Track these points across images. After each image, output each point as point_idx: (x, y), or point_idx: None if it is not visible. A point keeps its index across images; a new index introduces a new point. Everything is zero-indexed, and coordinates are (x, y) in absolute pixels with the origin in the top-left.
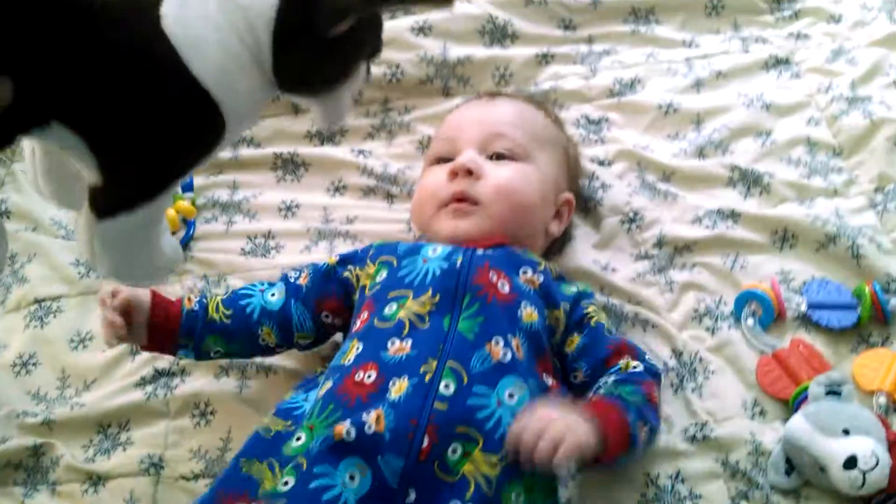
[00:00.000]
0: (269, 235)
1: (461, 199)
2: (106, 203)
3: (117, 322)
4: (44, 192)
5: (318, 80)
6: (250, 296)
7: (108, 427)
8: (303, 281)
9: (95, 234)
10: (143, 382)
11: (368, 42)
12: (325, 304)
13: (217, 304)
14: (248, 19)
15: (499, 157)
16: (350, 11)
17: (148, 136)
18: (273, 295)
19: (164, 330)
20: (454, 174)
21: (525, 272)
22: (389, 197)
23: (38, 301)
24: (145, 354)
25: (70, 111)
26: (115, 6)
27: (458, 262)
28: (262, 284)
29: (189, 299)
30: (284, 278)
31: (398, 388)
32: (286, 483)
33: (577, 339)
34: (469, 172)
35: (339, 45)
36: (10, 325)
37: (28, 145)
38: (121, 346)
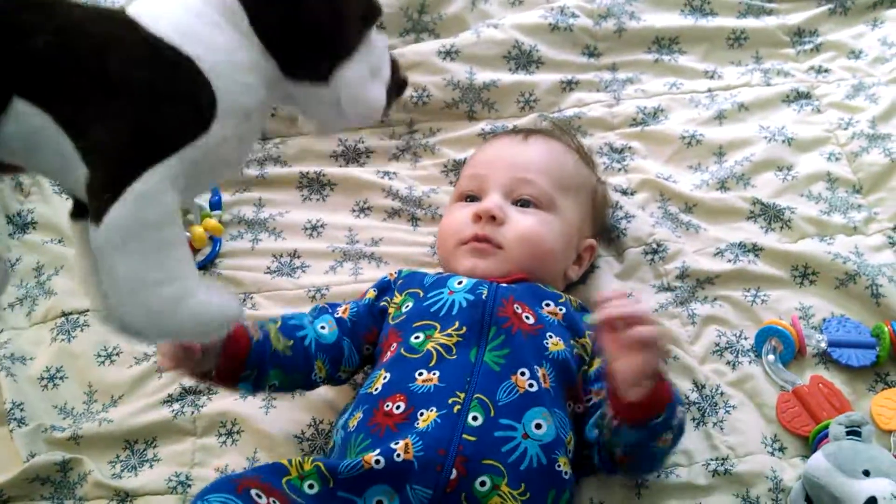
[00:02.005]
0: (294, 255)
1: (482, 239)
2: (98, 199)
3: (178, 355)
4: (97, 301)
5: (302, 26)
6: (303, 327)
7: (135, 443)
8: (344, 314)
9: (98, 250)
10: (170, 400)
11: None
12: (367, 337)
13: (277, 334)
14: None
15: (524, 203)
16: None
17: (113, 95)
18: (324, 328)
19: (234, 360)
20: (478, 217)
21: (548, 304)
22: (414, 220)
23: (65, 314)
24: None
25: (30, 84)
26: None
27: (484, 295)
28: (307, 316)
29: (253, 326)
30: (329, 311)
31: (426, 418)
32: (311, 486)
33: (597, 363)
34: (493, 218)
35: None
36: (37, 338)
37: (76, 256)
38: (147, 363)
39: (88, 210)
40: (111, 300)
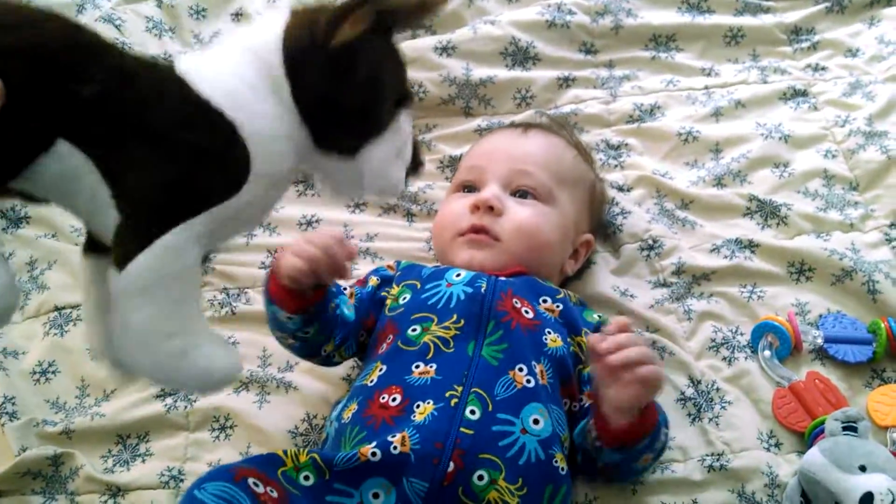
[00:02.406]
0: None
1: (480, 230)
2: (124, 245)
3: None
4: (98, 338)
5: (340, 107)
6: (338, 296)
7: (128, 438)
8: (352, 300)
9: (117, 295)
10: (163, 394)
11: (388, 73)
12: (366, 324)
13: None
14: (259, 52)
15: (522, 194)
16: (347, 11)
17: (155, 148)
18: (349, 308)
19: (321, 292)
20: (476, 208)
21: (545, 301)
22: (409, 215)
23: (57, 309)
24: None
25: (76, 127)
26: (122, 50)
27: (483, 288)
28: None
29: None
30: (341, 292)
31: (423, 410)
32: (307, 478)
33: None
34: (490, 209)
35: (351, 64)
36: (30, 332)
37: (83, 291)
38: None
39: (112, 252)
40: (119, 343)
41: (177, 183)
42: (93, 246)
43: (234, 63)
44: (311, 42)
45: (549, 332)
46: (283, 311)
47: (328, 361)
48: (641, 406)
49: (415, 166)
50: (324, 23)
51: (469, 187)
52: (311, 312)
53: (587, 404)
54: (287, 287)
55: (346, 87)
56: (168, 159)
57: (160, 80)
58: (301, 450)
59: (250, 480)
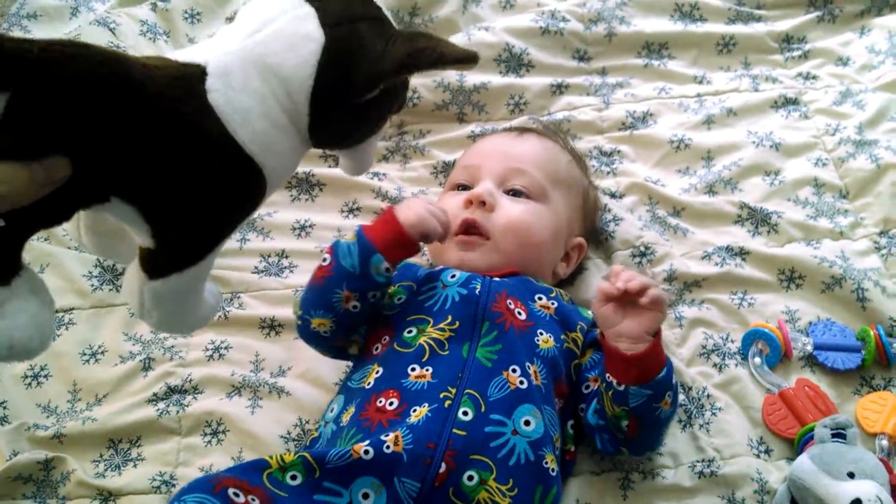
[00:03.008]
0: (282, 255)
1: (471, 229)
2: (157, 265)
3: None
4: (87, 246)
5: (350, 138)
6: None
7: (119, 442)
8: None
9: (146, 292)
10: (155, 399)
11: (398, 100)
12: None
13: None
14: (288, 89)
15: (515, 193)
16: (384, 78)
17: (199, 203)
18: None
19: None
20: (469, 203)
21: (540, 298)
22: None
23: None
24: (158, 370)
25: (128, 186)
26: (165, 83)
27: (477, 290)
28: None
29: None
30: None
31: (418, 413)
32: (294, 477)
33: (590, 353)
34: (483, 204)
35: (372, 106)
36: None
37: None
38: (132, 361)
39: (142, 257)
40: (143, 311)
41: (212, 229)
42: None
43: (263, 97)
44: (342, 94)
45: (542, 333)
46: (384, 263)
47: (343, 350)
48: (654, 330)
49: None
50: (360, 79)
51: (463, 186)
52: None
53: (592, 389)
54: (406, 236)
55: (358, 127)
56: (206, 213)
57: (203, 133)
58: (289, 451)
59: (230, 491)
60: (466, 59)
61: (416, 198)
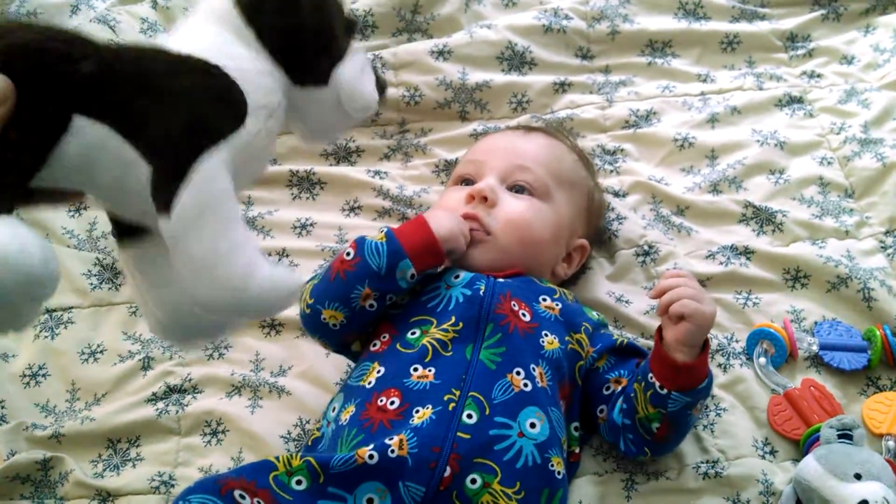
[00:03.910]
0: (283, 253)
1: (472, 219)
2: (164, 189)
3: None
4: (164, 321)
5: (301, 35)
6: None
7: (118, 442)
8: None
9: (173, 238)
10: (154, 398)
11: None
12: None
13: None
14: (217, 13)
15: (518, 189)
16: None
17: (162, 98)
18: None
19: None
20: (471, 198)
21: (544, 299)
22: (404, 219)
23: (48, 311)
24: (157, 370)
25: (87, 101)
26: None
27: (481, 291)
28: None
29: None
30: None
31: (421, 414)
32: (299, 482)
33: (607, 357)
34: (485, 199)
35: None
36: (20, 335)
37: (130, 279)
38: (131, 360)
39: (154, 203)
40: (190, 283)
41: (191, 120)
42: (123, 233)
43: (200, 30)
44: None
45: (546, 335)
46: (412, 269)
47: (346, 346)
48: (697, 341)
49: (380, 86)
50: None
51: (467, 181)
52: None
53: (613, 390)
54: (437, 246)
55: (298, 14)
56: (176, 105)
57: (144, 50)
58: (294, 454)
59: (236, 493)
60: None
61: (443, 209)
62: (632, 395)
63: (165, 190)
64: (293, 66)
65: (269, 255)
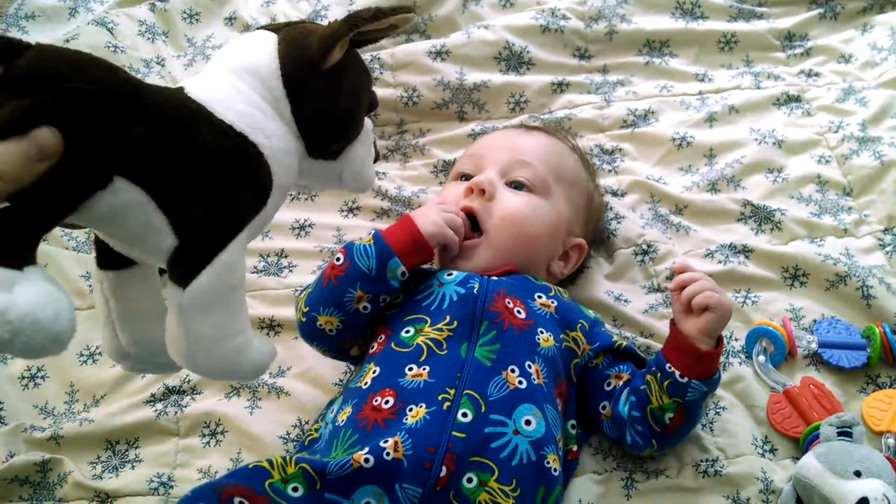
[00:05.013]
0: (281, 254)
1: (468, 212)
2: (186, 260)
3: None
4: (125, 348)
5: (332, 119)
6: None
7: (117, 444)
8: None
9: (182, 309)
10: (153, 400)
11: (364, 85)
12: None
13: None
14: (259, 77)
15: (517, 185)
16: (336, 36)
17: (203, 177)
18: None
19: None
20: (470, 191)
21: (539, 297)
22: None
23: None
24: None
25: (131, 164)
26: (148, 85)
27: (475, 289)
28: None
29: None
30: None
31: (415, 413)
32: (295, 489)
33: (603, 355)
34: (482, 192)
35: (342, 79)
36: None
37: (101, 301)
38: None
39: (171, 272)
40: (187, 349)
41: (228, 207)
42: (107, 260)
43: (240, 88)
44: (307, 66)
45: (542, 332)
46: (401, 267)
47: (344, 351)
48: (718, 331)
49: (375, 158)
50: (316, 48)
51: (467, 176)
52: (410, 276)
53: (614, 385)
54: (423, 242)
55: (336, 101)
56: (216, 186)
57: (191, 114)
58: (289, 459)
59: (236, 500)
60: (403, 10)
61: (431, 204)
62: (642, 387)
63: (187, 267)
64: (315, 143)
65: (268, 256)
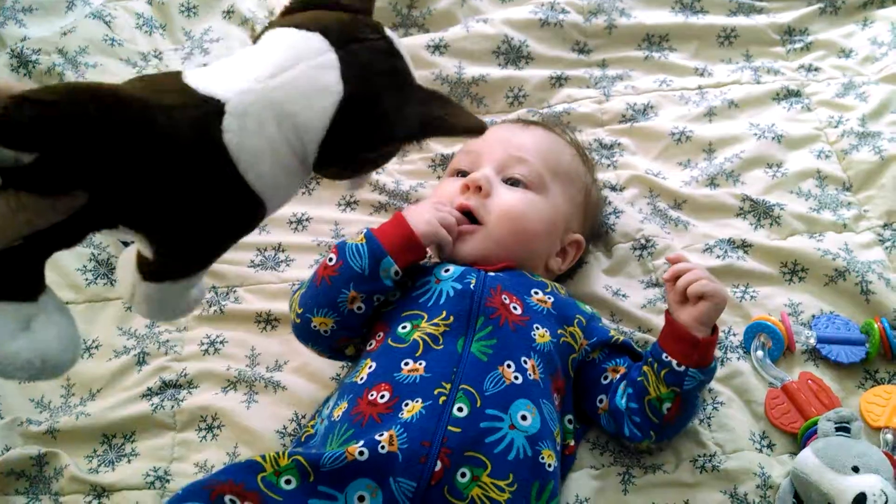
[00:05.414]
0: (279, 248)
1: (465, 210)
2: (153, 272)
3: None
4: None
5: (352, 176)
6: None
7: (113, 438)
8: None
9: (137, 289)
10: (149, 394)
11: (401, 149)
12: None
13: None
14: (301, 136)
15: (514, 182)
16: (394, 143)
17: (202, 231)
18: None
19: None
20: (466, 187)
21: (536, 293)
22: None
23: None
24: (152, 365)
25: (136, 216)
26: (185, 127)
27: (472, 284)
28: None
29: None
30: None
31: (411, 408)
32: (288, 482)
33: (601, 349)
34: (479, 189)
35: (379, 158)
36: None
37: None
38: (126, 356)
39: (138, 259)
40: (136, 306)
41: (211, 248)
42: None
43: (275, 140)
44: (353, 149)
45: (538, 328)
46: (395, 266)
47: (340, 351)
48: (714, 320)
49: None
50: (372, 141)
51: (464, 173)
52: (404, 275)
53: (611, 378)
54: (416, 241)
55: (363, 169)
56: (208, 233)
57: (207, 158)
58: (281, 453)
59: (227, 498)
60: (475, 130)
61: (426, 202)
62: (639, 378)
63: (155, 272)
64: (323, 175)
65: (265, 250)
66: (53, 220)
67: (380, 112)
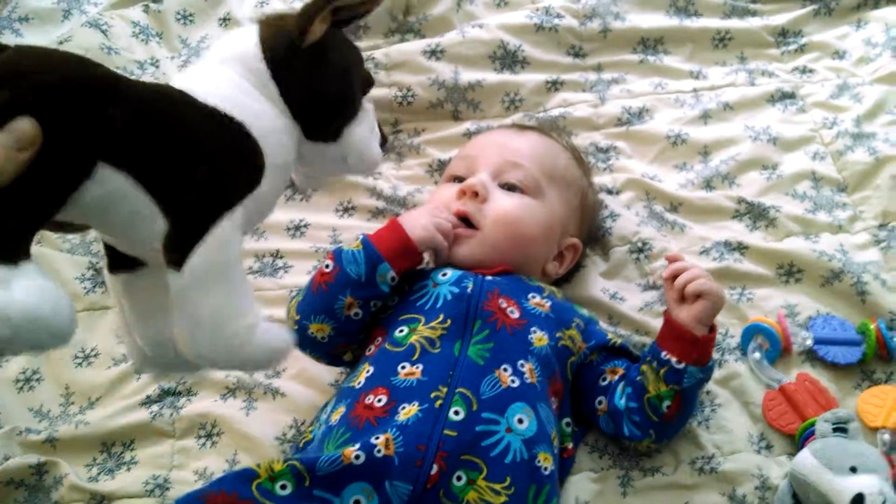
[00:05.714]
0: (277, 255)
1: (462, 216)
2: (178, 242)
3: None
4: (144, 349)
5: (322, 97)
6: None
7: (113, 446)
8: None
9: (181, 294)
10: (148, 401)
11: (353, 62)
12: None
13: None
14: (244, 62)
15: (510, 187)
16: (313, 11)
17: (191, 157)
18: None
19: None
20: (463, 193)
21: (533, 297)
22: None
23: None
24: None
25: (113, 151)
26: (128, 78)
27: (469, 288)
28: None
29: None
30: None
31: (407, 411)
32: (283, 487)
33: (599, 352)
34: (475, 195)
35: (325, 56)
36: None
37: (118, 307)
38: (125, 364)
39: (166, 257)
40: (191, 336)
41: (215, 184)
42: (117, 263)
43: (225, 75)
44: (288, 45)
45: (535, 331)
46: (391, 272)
47: (338, 357)
48: (712, 318)
49: (383, 141)
50: (294, 26)
51: (460, 178)
52: (401, 280)
53: (609, 380)
54: (412, 247)
55: (324, 79)
56: (201, 166)
57: (173, 99)
58: (276, 459)
59: None
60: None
61: (422, 208)
62: (638, 377)
63: (180, 247)
64: (310, 124)
65: (263, 256)
66: (12, 164)
67: (292, 15)
